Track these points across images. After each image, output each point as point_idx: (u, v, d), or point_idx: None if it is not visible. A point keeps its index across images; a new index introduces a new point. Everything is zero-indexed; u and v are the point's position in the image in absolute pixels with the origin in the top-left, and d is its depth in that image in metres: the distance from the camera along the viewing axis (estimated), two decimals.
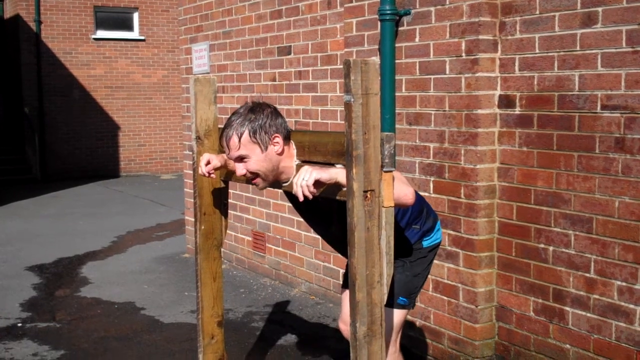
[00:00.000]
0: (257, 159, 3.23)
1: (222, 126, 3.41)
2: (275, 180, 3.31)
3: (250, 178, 3.31)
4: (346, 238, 2.79)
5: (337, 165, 2.96)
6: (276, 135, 3.22)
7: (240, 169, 3.28)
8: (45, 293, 7.15)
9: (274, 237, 7.19)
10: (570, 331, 4.45)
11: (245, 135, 3.21)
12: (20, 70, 17.35)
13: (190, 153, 8.38)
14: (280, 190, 6.88)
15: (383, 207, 2.75)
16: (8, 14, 18.64)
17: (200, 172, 3.51)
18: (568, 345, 4.47)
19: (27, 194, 14.82)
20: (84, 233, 10.37)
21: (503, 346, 4.86)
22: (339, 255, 6.23)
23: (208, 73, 7.90)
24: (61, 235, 10.22)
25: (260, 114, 3.24)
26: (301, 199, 2.89)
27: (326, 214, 3.43)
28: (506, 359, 4.84)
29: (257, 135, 3.21)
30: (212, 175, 3.51)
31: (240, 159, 3.26)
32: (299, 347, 5.42)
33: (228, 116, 3.35)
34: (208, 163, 3.50)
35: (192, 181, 8.38)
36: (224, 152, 3.42)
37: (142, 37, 18.42)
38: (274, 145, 3.23)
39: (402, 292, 3.59)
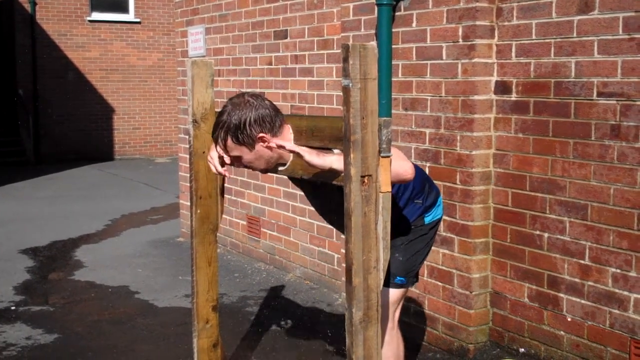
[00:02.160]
0: (248, 158, 3.27)
1: (218, 110, 3.40)
2: (274, 165, 3.32)
3: (249, 168, 3.35)
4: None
5: (335, 151, 2.96)
6: (261, 135, 3.20)
7: (237, 163, 3.33)
8: (39, 276, 7.14)
9: (269, 222, 7.19)
10: (565, 318, 4.46)
11: (229, 142, 3.23)
12: (15, 52, 17.27)
13: (186, 137, 8.38)
14: (275, 175, 6.88)
15: (380, 192, 2.75)
16: None
17: (215, 171, 3.45)
18: (562, 332, 4.49)
19: (20, 176, 14.78)
20: (78, 216, 10.36)
21: (497, 332, 4.87)
22: (334, 240, 6.25)
23: (204, 56, 7.87)
24: (55, 218, 10.20)
25: (240, 113, 3.18)
26: (271, 144, 3.02)
27: (328, 191, 3.41)
28: (500, 345, 4.85)
29: (240, 139, 3.20)
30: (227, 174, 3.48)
31: (234, 157, 3.29)
32: (293, 332, 5.43)
33: (224, 100, 3.34)
34: (220, 157, 3.44)
35: (187, 165, 8.39)
36: None
37: (138, 20, 18.34)
38: (262, 142, 3.22)
39: (400, 272, 3.59)
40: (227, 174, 3.46)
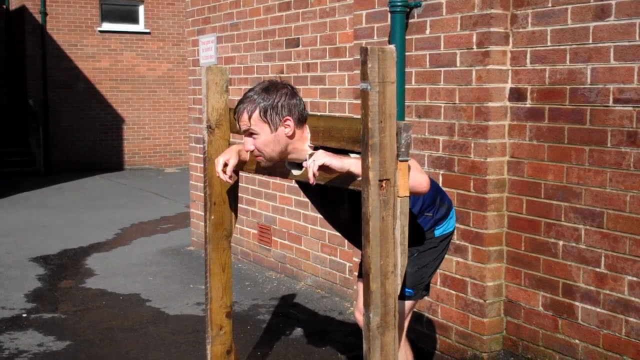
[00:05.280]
0: (265, 138, 3.22)
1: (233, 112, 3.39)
2: (282, 160, 3.29)
3: (256, 155, 3.30)
4: (355, 225, 2.77)
5: (352, 155, 2.94)
6: (287, 117, 3.19)
7: (248, 143, 3.27)
8: (50, 284, 7.13)
9: (280, 230, 7.17)
10: (580, 326, 4.43)
11: (256, 113, 3.20)
12: (25, 62, 17.33)
13: (197, 146, 8.38)
14: (287, 183, 6.88)
15: (398, 196, 2.73)
16: (14, 5, 18.61)
17: (222, 179, 3.47)
18: (577, 341, 4.45)
19: (31, 186, 14.80)
20: (88, 225, 10.36)
21: (511, 341, 4.83)
22: (345, 248, 6.23)
23: (215, 65, 7.87)
24: (65, 227, 10.20)
25: (274, 93, 3.21)
26: (311, 181, 2.90)
27: (336, 200, 3.40)
28: (514, 354, 4.82)
29: (267, 115, 3.19)
30: (232, 179, 3.49)
31: (250, 134, 3.25)
32: (305, 340, 5.40)
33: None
34: (225, 165, 3.46)
35: (197, 173, 8.39)
36: (236, 130, 3.41)
37: (148, 30, 18.40)
38: (285, 127, 3.20)
39: (408, 283, 3.56)
40: (230, 180, 3.48)
